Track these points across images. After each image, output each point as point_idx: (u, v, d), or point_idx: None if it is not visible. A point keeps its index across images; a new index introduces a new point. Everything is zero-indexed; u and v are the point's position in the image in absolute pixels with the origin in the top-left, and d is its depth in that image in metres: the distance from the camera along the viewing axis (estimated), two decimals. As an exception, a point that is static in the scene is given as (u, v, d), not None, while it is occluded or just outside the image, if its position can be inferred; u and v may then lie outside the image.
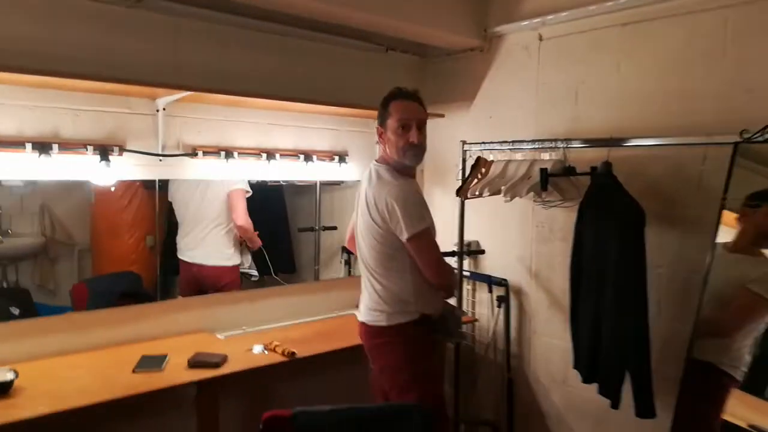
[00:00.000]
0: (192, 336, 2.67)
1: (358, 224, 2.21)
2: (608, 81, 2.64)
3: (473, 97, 3.27)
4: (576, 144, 2.51)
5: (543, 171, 2.41)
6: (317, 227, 3.40)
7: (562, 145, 2.52)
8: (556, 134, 2.66)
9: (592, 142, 2.48)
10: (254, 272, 3.17)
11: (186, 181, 2.77)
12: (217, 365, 2.26)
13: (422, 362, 2.14)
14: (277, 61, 2.92)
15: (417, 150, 2.13)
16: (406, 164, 2.15)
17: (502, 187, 2.53)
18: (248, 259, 3.15)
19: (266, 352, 2.47)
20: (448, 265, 2.22)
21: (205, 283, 2.92)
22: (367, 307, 2.20)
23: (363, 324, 2.22)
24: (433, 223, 2.14)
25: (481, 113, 3.24)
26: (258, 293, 3.03)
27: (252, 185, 2.98)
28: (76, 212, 2.61)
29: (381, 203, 2.07)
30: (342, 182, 3.34)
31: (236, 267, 3.05)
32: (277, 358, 2.40)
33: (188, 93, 2.38)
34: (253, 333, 2.81)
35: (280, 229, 3.44)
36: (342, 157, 3.20)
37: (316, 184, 3.27)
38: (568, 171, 2.51)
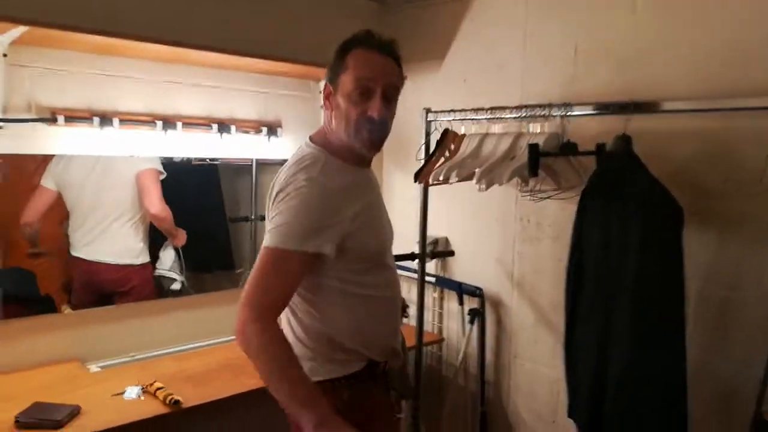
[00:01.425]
0: (53, 368, 2.00)
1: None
2: (619, 29, 1.99)
3: (443, 55, 2.60)
4: (579, 111, 1.82)
5: (532, 148, 1.72)
6: (252, 217, 2.77)
7: (558, 113, 1.82)
8: (549, 99, 1.97)
9: (604, 109, 1.79)
10: (176, 276, 2.49)
11: (78, 159, 2.19)
12: (57, 425, 1.56)
13: None
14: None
15: (376, 129, 1.36)
16: (356, 150, 1.39)
17: (476, 171, 1.84)
18: (169, 257, 2.46)
19: (142, 396, 1.77)
20: (263, 325, 1.26)
21: (106, 287, 2.35)
22: None
23: None
24: (326, 247, 1.32)
25: (453, 75, 2.58)
26: (158, 305, 2.37)
27: (176, 164, 2.42)
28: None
29: (271, 192, 1.37)
30: (285, 161, 2.65)
31: (147, 266, 2.44)
32: (153, 409, 1.71)
33: (26, 28, 1.65)
34: (141, 362, 2.16)
35: (214, 219, 2.83)
36: (272, 129, 2.50)
37: (251, 162, 2.64)
38: (566, 149, 1.83)
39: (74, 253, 2.29)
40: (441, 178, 1.94)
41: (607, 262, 1.66)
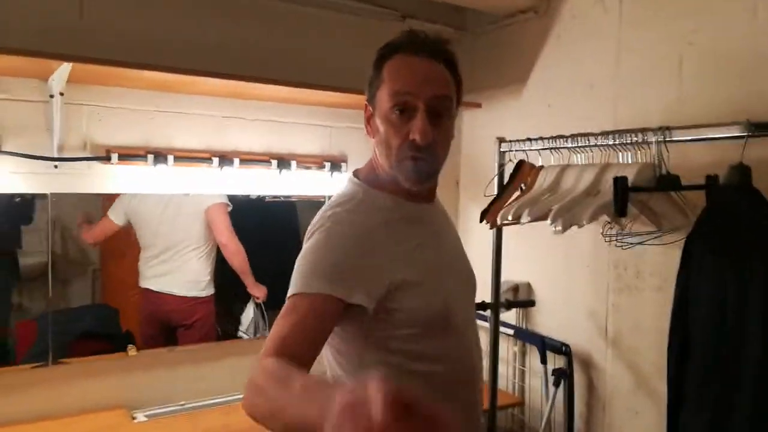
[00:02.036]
0: (99, 416, 1.92)
1: None
2: (734, 37, 1.66)
3: (525, 79, 2.35)
4: (680, 136, 1.48)
5: (619, 182, 1.41)
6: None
7: (655, 139, 1.50)
8: (648, 123, 1.65)
9: (714, 132, 1.43)
10: (247, 336, 2.45)
11: (151, 197, 2.18)
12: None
13: None
14: (239, 29, 2.14)
15: (421, 157, 1.09)
16: (402, 183, 1.13)
17: (553, 208, 1.55)
18: (248, 319, 2.42)
19: (176, 455, 1.63)
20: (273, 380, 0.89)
21: (171, 318, 2.35)
22: None
23: None
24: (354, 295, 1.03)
25: (536, 100, 2.32)
26: (219, 348, 2.27)
27: (253, 200, 2.41)
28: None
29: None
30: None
31: (210, 299, 2.41)
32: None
33: (77, 65, 1.63)
34: (190, 411, 2.05)
35: (292, 257, 2.72)
36: (336, 165, 2.34)
37: (323, 199, 2.49)
38: (665, 182, 1.49)
39: (143, 285, 2.29)
40: (510, 217, 1.66)
41: (721, 326, 1.31)
